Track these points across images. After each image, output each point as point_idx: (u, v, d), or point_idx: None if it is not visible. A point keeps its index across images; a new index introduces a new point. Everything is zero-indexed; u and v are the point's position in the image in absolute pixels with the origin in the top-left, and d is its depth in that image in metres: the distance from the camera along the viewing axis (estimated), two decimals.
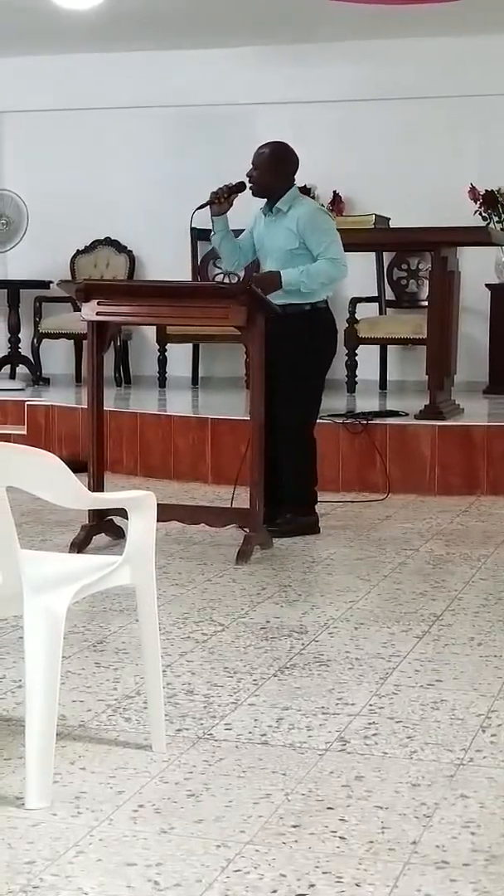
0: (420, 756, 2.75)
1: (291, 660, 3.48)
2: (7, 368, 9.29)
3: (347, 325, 8.24)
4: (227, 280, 5.58)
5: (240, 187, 5.25)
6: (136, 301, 5.03)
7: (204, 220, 5.47)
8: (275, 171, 5.22)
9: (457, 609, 4.07)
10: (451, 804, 2.49)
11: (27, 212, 8.76)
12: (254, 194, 5.27)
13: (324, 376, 5.42)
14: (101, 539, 5.00)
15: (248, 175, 5.24)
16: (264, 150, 5.27)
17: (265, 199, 5.29)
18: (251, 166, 5.25)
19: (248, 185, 5.24)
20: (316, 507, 5.38)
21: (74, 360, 9.46)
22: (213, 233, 5.37)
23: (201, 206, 5.25)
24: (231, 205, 5.27)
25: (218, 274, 8.97)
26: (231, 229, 5.36)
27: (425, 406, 6.64)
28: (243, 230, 5.43)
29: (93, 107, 9.43)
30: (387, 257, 8.96)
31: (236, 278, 5.62)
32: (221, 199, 5.23)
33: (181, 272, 8.79)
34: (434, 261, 6.72)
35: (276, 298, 5.01)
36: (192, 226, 5.13)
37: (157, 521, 2.78)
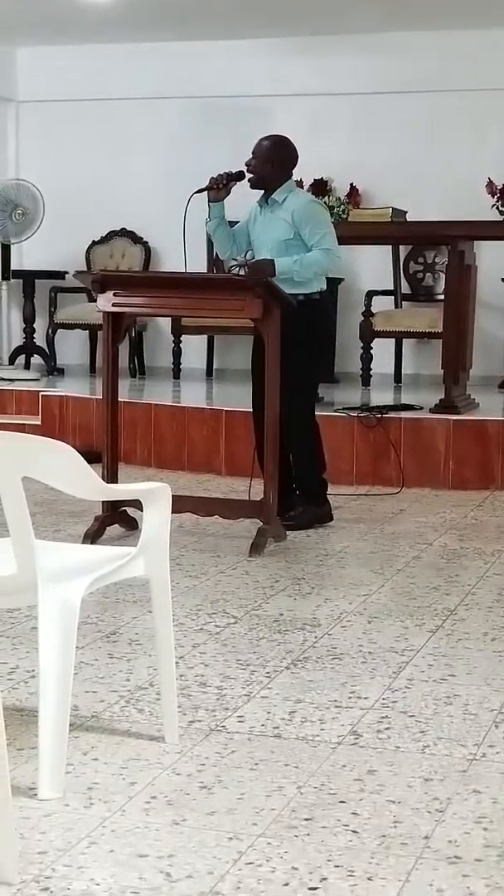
0: (433, 751, 2.74)
1: (304, 653, 3.47)
2: (22, 358, 9.29)
3: (363, 318, 8.23)
4: (242, 272, 5.59)
5: (239, 176, 5.29)
6: (151, 292, 5.04)
7: (228, 213, 5.47)
8: (273, 162, 5.25)
9: (470, 604, 4.06)
10: (463, 799, 2.48)
11: (43, 202, 8.75)
12: (251, 185, 5.30)
13: (319, 366, 5.46)
14: (114, 530, 5.00)
15: (246, 164, 5.27)
16: (265, 142, 5.33)
17: (262, 192, 5.30)
18: (250, 156, 5.28)
19: (247, 174, 5.26)
20: (327, 493, 5.38)
21: (89, 351, 9.46)
22: (208, 219, 5.40)
23: (199, 191, 5.28)
24: (229, 192, 5.31)
25: (234, 266, 8.97)
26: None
27: (440, 400, 6.63)
28: (237, 222, 5.45)
29: (110, 97, 9.42)
30: (403, 250, 8.94)
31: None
32: (220, 185, 5.28)
33: (197, 264, 8.77)
34: (451, 254, 6.70)
35: None
36: (187, 211, 5.12)
37: (172, 512, 2.78)
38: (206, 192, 5.30)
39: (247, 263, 5.63)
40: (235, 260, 8.25)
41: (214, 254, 9.15)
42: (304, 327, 5.20)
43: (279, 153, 5.29)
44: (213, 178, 5.29)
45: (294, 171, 5.36)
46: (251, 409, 5.36)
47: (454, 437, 6.36)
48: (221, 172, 5.30)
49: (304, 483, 5.35)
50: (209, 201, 5.33)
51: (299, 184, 8.48)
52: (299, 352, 5.21)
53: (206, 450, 6.70)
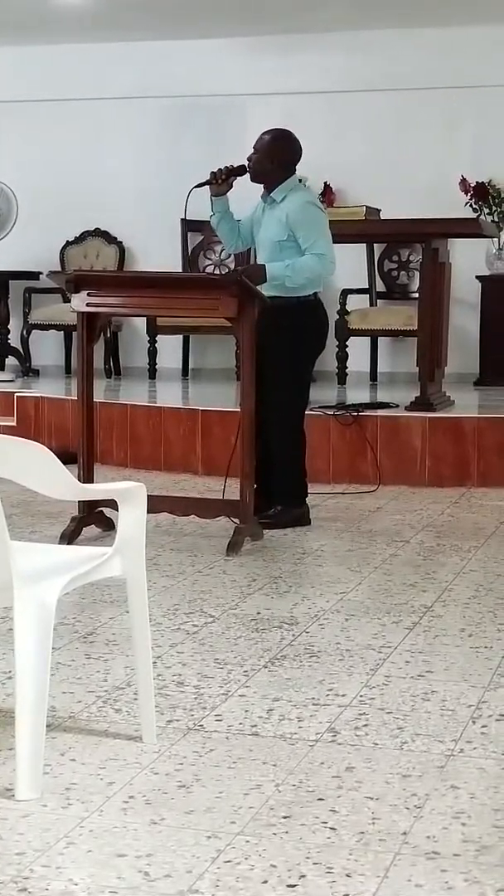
0: (411, 747, 2.75)
1: (282, 651, 3.47)
2: None
3: (338, 316, 8.23)
4: (217, 271, 5.58)
5: (240, 171, 5.23)
6: (126, 292, 5.02)
7: (197, 210, 5.46)
8: (273, 159, 5.20)
9: (447, 600, 4.07)
10: (441, 795, 2.49)
11: (17, 202, 8.73)
12: (251, 179, 5.27)
13: (309, 369, 5.44)
14: (90, 530, 4.99)
15: (248, 159, 5.24)
16: (266, 136, 5.27)
17: (263, 186, 5.28)
18: (252, 150, 5.25)
19: (248, 168, 5.23)
20: (306, 498, 5.38)
21: (64, 352, 9.45)
22: (211, 213, 5.35)
23: (199, 185, 5.23)
24: (230, 186, 5.26)
25: (208, 265, 8.97)
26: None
27: (416, 398, 6.64)
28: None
29: (84, 97, 9.40)
30: (377, 249, 8.95)
31: (227, 269, 5.62)
32: (220, 180, 5.22)
33: (172, 263, 8.77)
34: (425, 252, 6.71)
35: (264, 290, 5.01)
36: (187, 206, 5.07)
37: (148, 512, 2.77)
38: (207, 187, 5.23)
39: (222, 264, 5.61)
40: (210, 259, 8.21)
41: (189, 252, 9.18)
42: (297, 330, 5.19)
43: (279, 149, 5.22)
44: (213, 172, 5.23)
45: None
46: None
47: (430, 434, 6.37)
48: (223, 166, 5.24)
49: (286, 484, 5.33)
50: (211, 196, 5.29)
51: None
52: (290, 354, 5.20)
53: (183, 450, 6.69)
